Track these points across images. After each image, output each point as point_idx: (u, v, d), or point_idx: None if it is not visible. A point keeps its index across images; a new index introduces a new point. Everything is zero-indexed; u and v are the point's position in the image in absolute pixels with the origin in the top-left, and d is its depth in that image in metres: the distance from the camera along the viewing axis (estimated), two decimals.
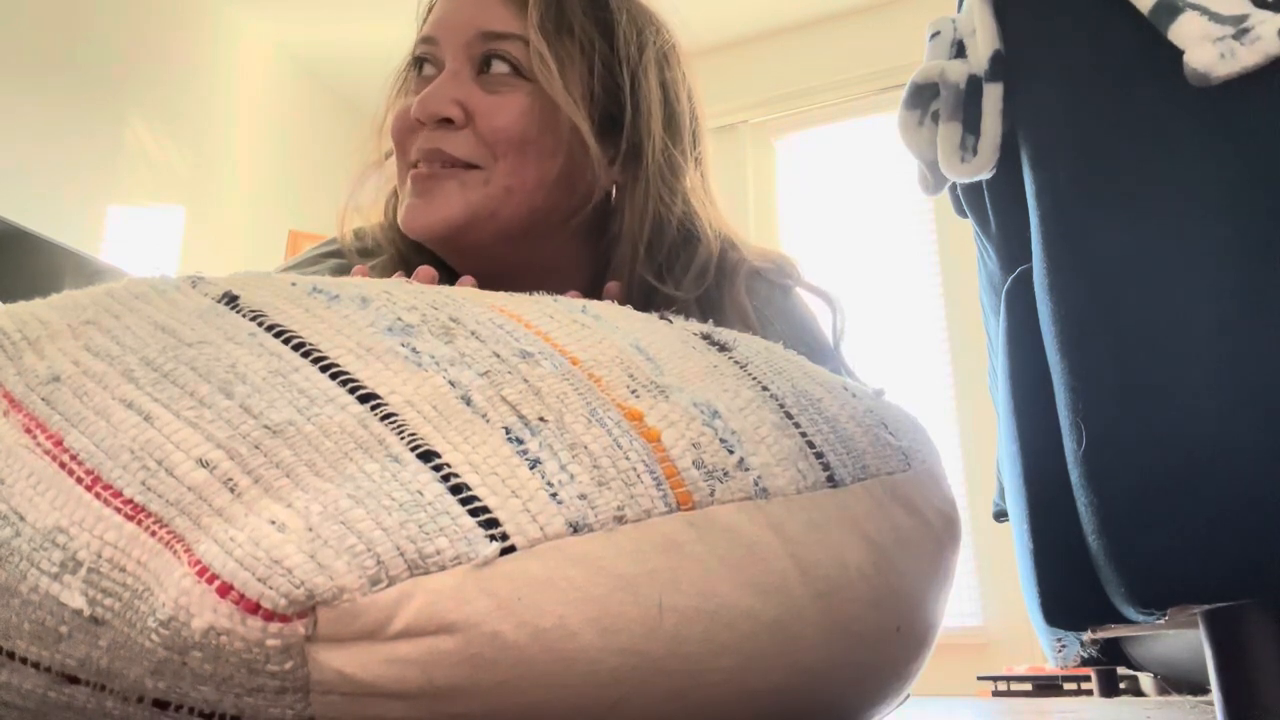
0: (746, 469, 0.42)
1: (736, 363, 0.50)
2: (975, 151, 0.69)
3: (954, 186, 0.82)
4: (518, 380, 0.41)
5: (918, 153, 0.78)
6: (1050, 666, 1.37)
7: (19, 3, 2.59)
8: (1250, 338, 0.52)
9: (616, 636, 0.36)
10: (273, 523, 0.33)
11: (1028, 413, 0.67)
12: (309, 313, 0.42)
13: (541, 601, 0.34)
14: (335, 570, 0.32)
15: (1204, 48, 0.54)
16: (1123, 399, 0.54)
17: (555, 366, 0.43)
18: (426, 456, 0.36)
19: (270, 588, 0.31)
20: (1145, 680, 1.69)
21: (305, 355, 0.40)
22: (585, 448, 0.39)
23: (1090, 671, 1.65)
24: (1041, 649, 0.80)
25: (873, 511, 0.47)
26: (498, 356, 0.42)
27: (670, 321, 0.53)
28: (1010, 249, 0.73)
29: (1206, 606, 0.55)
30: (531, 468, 0.37)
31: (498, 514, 0.35)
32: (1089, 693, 2.02)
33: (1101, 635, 0.67)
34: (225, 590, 0.31)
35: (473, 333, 0.44)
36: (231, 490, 0.34)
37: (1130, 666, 1.24)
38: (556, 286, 0.60)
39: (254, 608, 0.31)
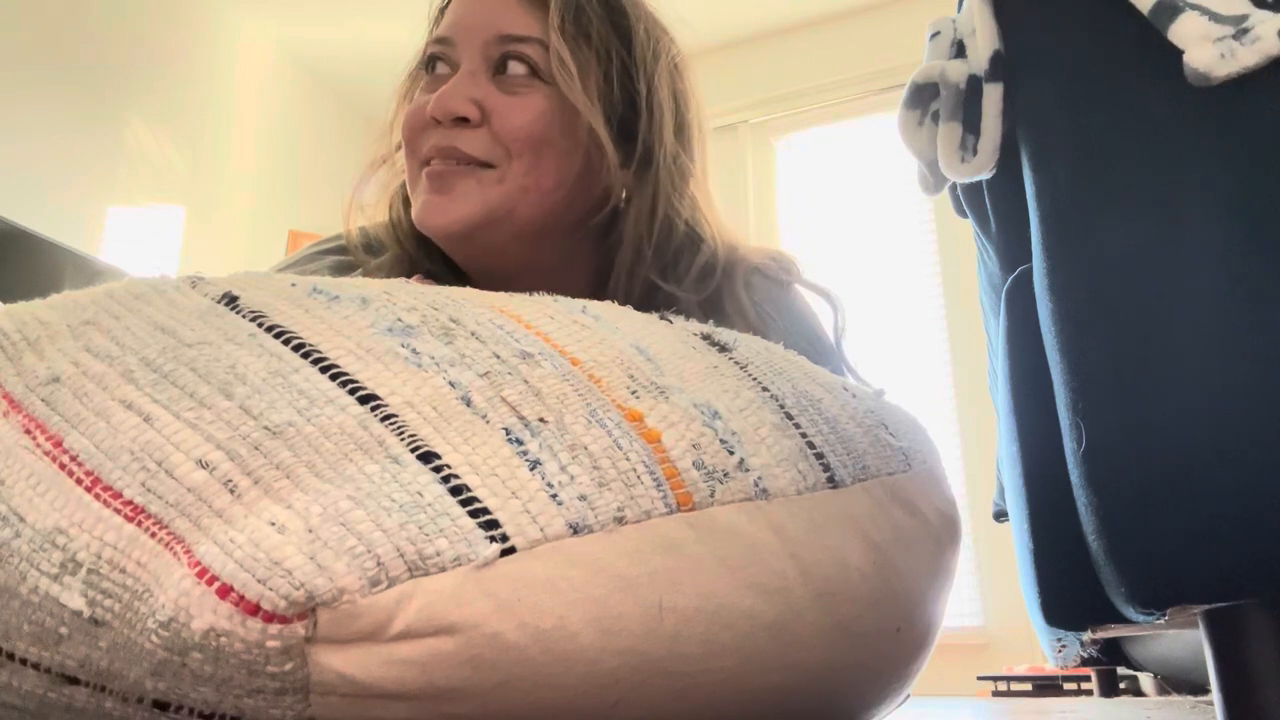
0: (747, 470, 0.42)
1: (737, 363, 0.50)
2: (975, 151, 0.69)
3: (954, 186, 0.82)
4: (518, 381, 0.41)
5: (918, 153, 0.78)
6: (1050, 666, 1.37)
7: (19, 3, 2.59)
8: (1250, 337, 0.52)
9: (617, 637, 0.36)
10: (273, 524, 0.33)
11: (1028, 413, 0.67)
12: (309, 313, 0.42)
13: (542, 602, 0.34)
14: (335, 571, 0.32)
15: (1204, 48, 0.54)
16: (1123, 399, 0.54)
17: (555, 367, 0.43)
18: (426, 457, 0.36)
19: (270, 589, 0.31)
20: (1145, 680, 1.69)
21: (305, 356, 0.40)
22: (585, 448, 0.39)
23: (1090, 671, 1.65)
24: (1041, 649, 0.80)
25: (873, 512, 0.47)
26: (498, 357, 0.42)
27: (670, 322, 0.53)
28: (1010, 249, 0.73)
29: (1206, 606, 0.55)
30: (532, 469, 0.37)
31: (498, 515, 0.35)
32: (1089, 693, 2.02)
33: (1101, 635, 0.67)
34: (225, 591, 0.31)
35: (473, 333, 0.43)
36: (231, 491, 0.34)
37: (1130, 666, 1.24)
38: (561, 286, 0.60)
39: (254, 609, 0.31)
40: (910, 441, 0.54)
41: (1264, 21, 0.54)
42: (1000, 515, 1.07)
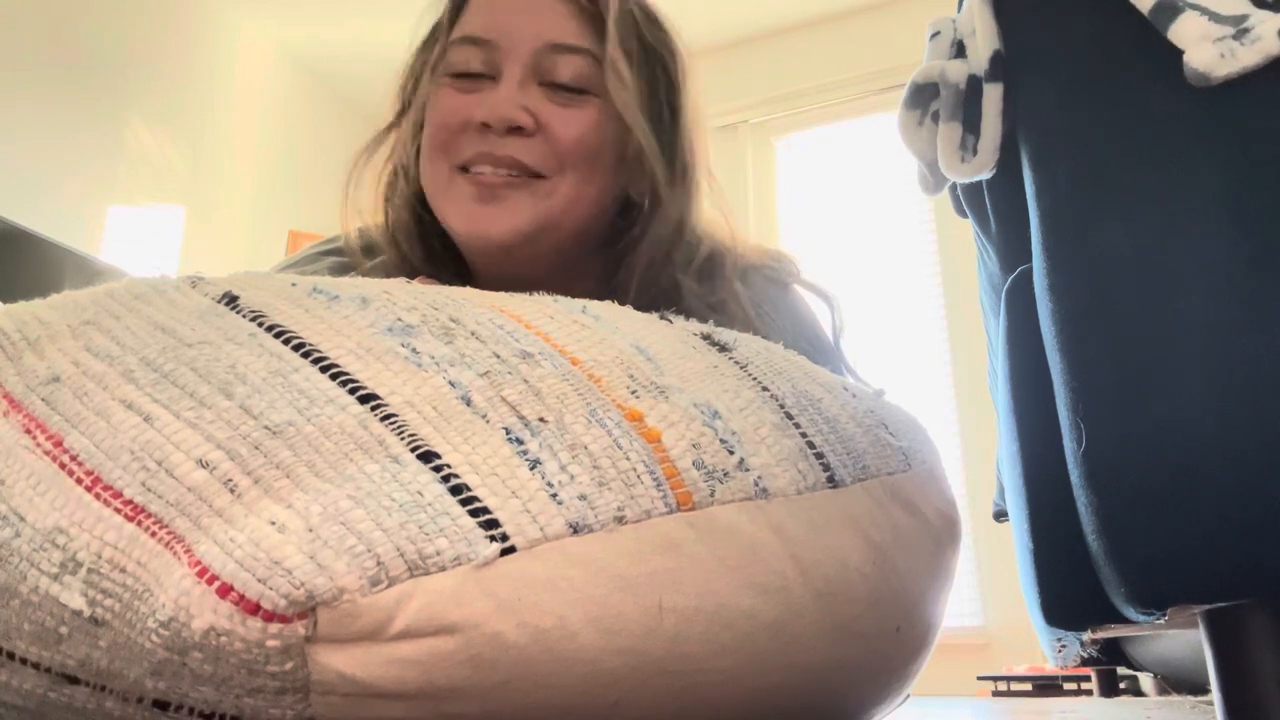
0: (747, 469, 0.42)
1: (737, 363, 0.50)
2: (975, 151, 0.69)
3: (954, 186, 0.82)
4: (518, 381, 0.41)
5: (918, 153, 0.78)
6: (1050, 666, 1.37)
7: (19, 3, 2.59)
8: (1250, 337, 0.52)
9: (617, 637, 0.36)
10: (273, 523, 0.33)
11: (1028, 413, 0.67)
12: (309, 313, 0.42)
13: (542, 602, 0.34)
14: (335, 571, 0.32)
15: (1204, 48, 0.54)
16: (1123, 399, 0.54)
17: (555, 367, 0.43)
18: (427, 457, 0.36)
19: (270, 588, 0.31)
20: (1145, 680, 1.69)
21: (305, 356, 0.40)
22: (585, 448, 0.39)
23: (1090, 671, 1.65)
24: (1041, 649, 0.80)
25: (873, 512, 0.47)
26: (498, 357, 0.42)
27: (670, 322, 0.53)
28: (1010, 249, 0.73)
29: (1206, 606, 0.55)
30: (532, 468, 0.37)
31: (498, 514, 0.35)
32: (1089, 693, 2.02)
33: (1101, 635, 0.67)
34: (225, 591, 0.31)
35: (473, 333, 0.43)
36: (231, 491, 0.34)
37: (1130, 666, 1.24)
38: (571, 292, 0.60)
39: (254, 608, 0.31)
40: (910, 441, 0.54)
41: (1264, 21, 0.54)
42: (1000, 515, 1.07)
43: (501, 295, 0.51)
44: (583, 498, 0.37)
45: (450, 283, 0.65)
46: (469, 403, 0.39)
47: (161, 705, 0.34)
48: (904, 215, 3.23)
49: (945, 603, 0.54)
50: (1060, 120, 0.61)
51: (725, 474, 0.42)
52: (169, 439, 0.36)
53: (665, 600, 0.37)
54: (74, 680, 0.35)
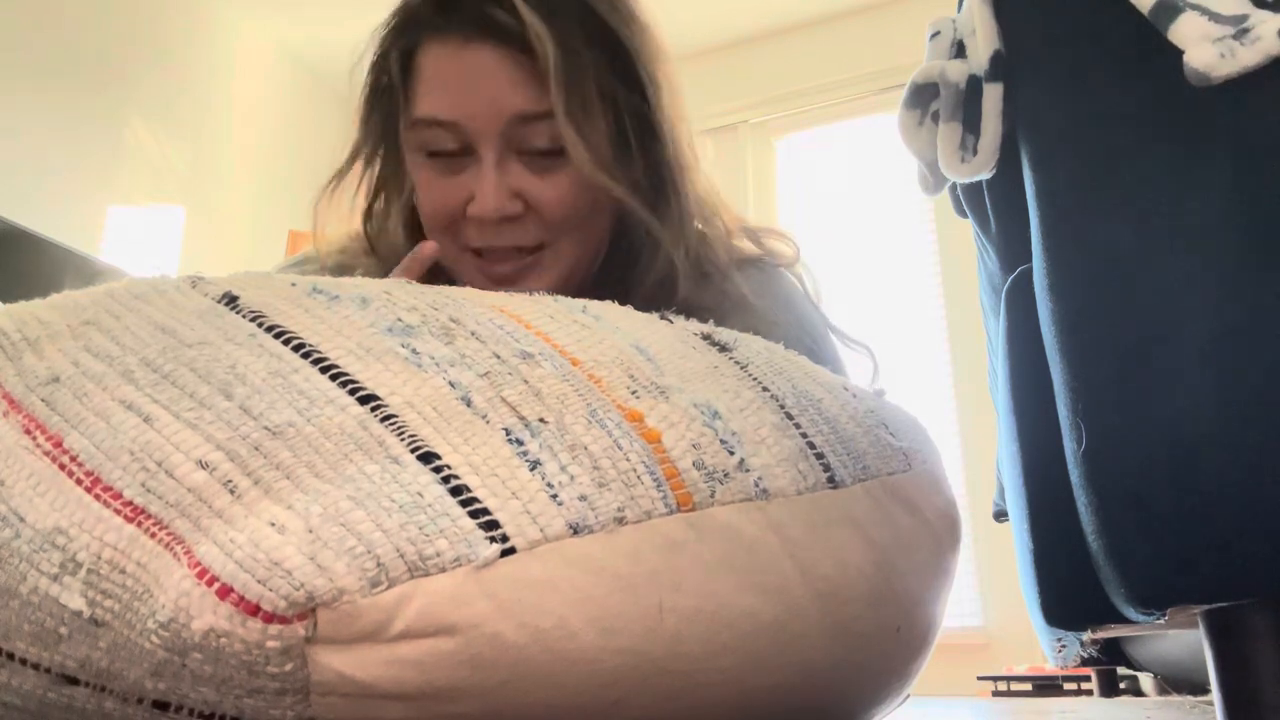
0: (747, 470, 0.42)
1: (737, 363, 0.50)
2: (975, 151, 0.69)
3: (954, 186, 0.82)
4: (518, 381, 0.41)
5: (918, 153, 0.78)
6: (1050, 666, 1.37)
7: (19, 3, 2.59)
8: (1250, 337, 0.52)
9: (617, 637, 0.36)
10: (273, 524, 0.33)
11: (1028, 413, 0.67)
12: (309, 313, 0.42)
13: (542, 602, 0.34)
14: (335, 572, 0.32)
15: (1204, 48, 0.54)
16: (1122, 399, 0.54)
17: (555, 367, 0.43)
18: (427, 458, 0.36)
19: (270, 589, 0.31)
20: (1145, 680, 1.69)
21: (305, 356, 0.40)
22: (585, 449, 0.39)
23: (1090, 671, 1.65)
24: (1041, 649, 0.80)
25: (873, 512, 0.47)
26: (498, 357, 0.42)
27: (670, 321, 0.53)
28: (1010, 249, 0.73)
29: (1206, 606, 0.55)
30: (532, 469, 0.37)
31: (498, 515, 0.35)
32: (1089, 693, 2.02)
33: (1101, 635, 0.67)
34: (225, 592, 0.31)
35: (473, 333, 0.43)
36: (231, 492, 0.34)
37: (1130, 666, 1.24)
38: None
39: (254, 609, 0.31)
40: (910, 441, 0.53)
41: (1264, 21, 0.54)
42: (1000, 515, 1.07)
43: (501, 295, 0.51)
44: (583, 498, 0.37)
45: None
46: (469, 403, 0.39)
47: (161, 706, 0.34)
48: (904, 215, 3.23)
49: (945, 603, 0.54)
50: (1060, 120, 0.61)
51: (725, 474, 0.42)
52: (169, 440, 0.36)
53: (665, 600, 0.37)
54: (74, 681, 0.35)
